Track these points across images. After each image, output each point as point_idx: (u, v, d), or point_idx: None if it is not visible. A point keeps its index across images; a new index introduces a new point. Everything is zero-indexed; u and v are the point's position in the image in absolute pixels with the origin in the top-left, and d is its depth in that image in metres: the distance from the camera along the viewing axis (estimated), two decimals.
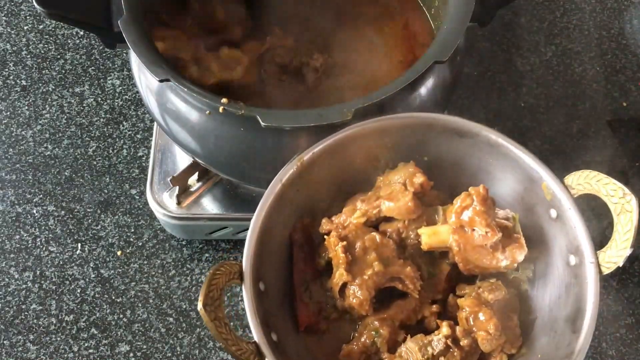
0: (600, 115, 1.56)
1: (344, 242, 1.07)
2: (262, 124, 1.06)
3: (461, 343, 1.05)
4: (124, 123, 1.54)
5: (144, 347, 1.31)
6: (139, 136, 1.52)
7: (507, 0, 1.26)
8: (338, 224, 1.12)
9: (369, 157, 1.16)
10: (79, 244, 1.40)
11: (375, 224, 1.13)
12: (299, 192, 1.11)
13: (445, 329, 1.05)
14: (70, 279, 1.37)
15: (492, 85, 1.60)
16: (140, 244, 1.40)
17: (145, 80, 1.23)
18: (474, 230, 1.05)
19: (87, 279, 1.37)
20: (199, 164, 1.30)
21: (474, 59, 1.63)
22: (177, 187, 1.32)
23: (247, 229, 1.30)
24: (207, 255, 1.38)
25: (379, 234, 1.10)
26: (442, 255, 1.12)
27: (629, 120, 1.54)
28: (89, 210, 1.44)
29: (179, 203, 1.33)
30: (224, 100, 1.10)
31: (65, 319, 1.33)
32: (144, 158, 1.50)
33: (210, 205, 1.34)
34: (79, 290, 1.36)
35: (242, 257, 1.03)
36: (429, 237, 1.08)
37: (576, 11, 1.72)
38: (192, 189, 1.35)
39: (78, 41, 1.67)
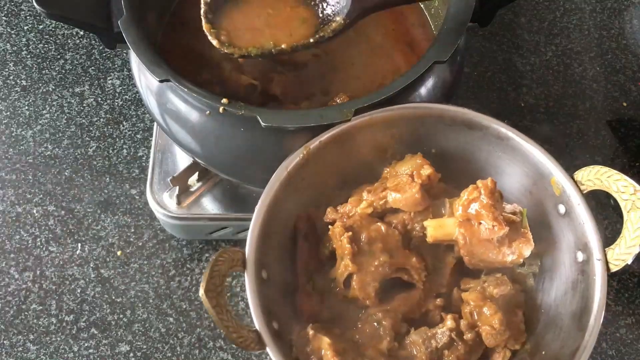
0: (600, 115, 1.56)
1: (349, 233, 1.07)
2: (263, 124, 1.07)
3: (465, 337, 1.04)
4: (124, 123, 1.54)
5: (144, 347, 1.31)
6: (139, 136, 1.52)
7: (507, 0, 1.26)
8: (343, 213, 1.12)
9: (376, 147, 1.16)
10: (79, 244, 1.40)
11: (381, 215, 1.12)
12: (305, 180, 1.11)
13: (449, 322, 1.05)
14: (70, 278, 1.37)
15: (492, 85, 1.60)
16: (140, 244, 1.40)
17: (145, 80, 1.23)
18: (480, 223, 1.04)
19: (87, 279, 1.37)
20: (199, 164, 1.30)
21: (474, 59, 1.63)
22: (177, 187, 1.32)
23: (248, 229, 1.29)
24: (207, 255, 1.38)
25: (384, 224, 1.10)
26: (447, 248, 1.11)
27: (629, 120, 1.54)
28: (89, 210, 1.44)
29: (179, 203, 1.33)
30: (224, 100, 1.10)
31: (66, 319, 1.33)
32: (144, 158, 1.50)
33: (210, 205, 1.34)
34: (79, 290, 1.36)
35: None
36: (434, 229, 1.07)
37: (576, 11, 1.72)
38: (192, 189, 1.35)
39: (78, 41, 1.67)
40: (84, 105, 1.57)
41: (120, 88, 1.60)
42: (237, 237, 1.37)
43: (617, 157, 1.49)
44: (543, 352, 1.05)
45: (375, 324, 1.07)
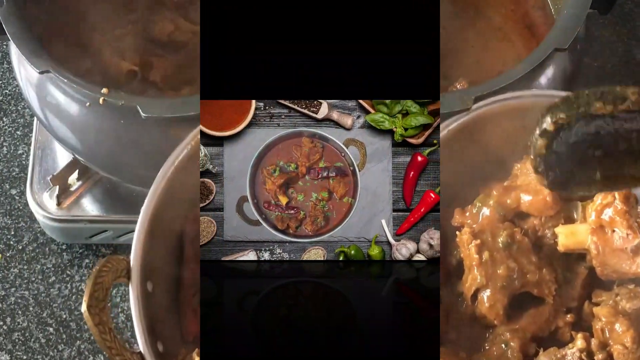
0: None
1: (477, 241, 1.01)
2: (143, 114, 1.04)
3: (595, 358, 0.98)
4: (4, 119, 1.50)
5: (24, 357, 1.28)
6: (19, 132, 1.48)
7: None
8: (471, 216, 1.06)
9: (506, 139, 1.08)
10: None
11: (510, 219, 1.06)
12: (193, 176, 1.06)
13: (580, 341, 0.98)
14: None
15: (612, 79, 1.56)
16: (20, 247, 1.37)
17: (25, 73, 1.22)
18: (614, 231, 0.98)
19: None
20: (79, 161, 1.27)
21: (594, 48, 1.59)
22: (57, 187, 1.28)
23: (128, 233, 1.27)
24: (87, 261, 1.35)
25: (514, 232, 1.03)
26: (578, 257, 1.05)
27: None
28: None
29: (58, 204, 1.30)
30: (104, 90, 1.08)
31: None
32: (24, 156, 1.46)
33: (90, 207, 1.31)
34: None
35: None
36: (566, 237, 1.01)
37: None
38: (72, 189, 1.32)
39: None
40: None
41: (0, 82, 1.56)
42: (118, 241, 1.34)
43: None
44: None
45: (503, 345, 1.01)
